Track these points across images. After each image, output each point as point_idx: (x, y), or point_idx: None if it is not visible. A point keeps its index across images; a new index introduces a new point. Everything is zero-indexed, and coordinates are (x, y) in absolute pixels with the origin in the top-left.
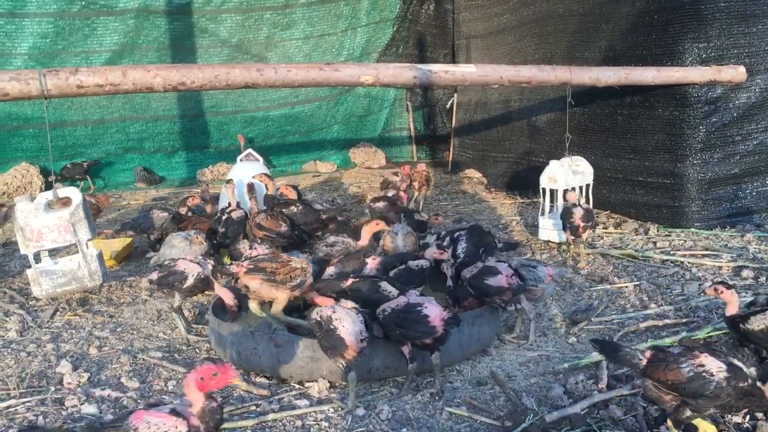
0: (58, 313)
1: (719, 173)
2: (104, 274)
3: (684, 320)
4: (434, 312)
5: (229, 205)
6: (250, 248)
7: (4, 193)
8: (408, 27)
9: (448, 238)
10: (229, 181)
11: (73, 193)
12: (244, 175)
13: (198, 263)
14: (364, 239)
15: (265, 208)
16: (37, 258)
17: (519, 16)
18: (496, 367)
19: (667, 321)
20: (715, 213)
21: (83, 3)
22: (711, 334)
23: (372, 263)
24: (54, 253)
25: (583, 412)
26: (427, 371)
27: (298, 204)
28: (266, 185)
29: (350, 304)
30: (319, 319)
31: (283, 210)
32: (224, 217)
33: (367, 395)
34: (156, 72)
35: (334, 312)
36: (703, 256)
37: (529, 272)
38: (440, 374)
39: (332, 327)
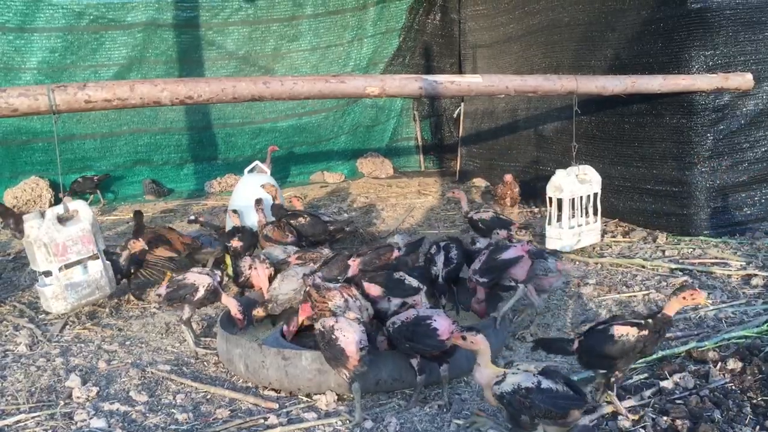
0: (68, 327)
1: (728, 181)
2: None
3: (696, 332)
4: (443, 325)
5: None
6: (250, 268)
7: (14, 206)
8: (414, 37)
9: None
10: (234, 211)
11: (81, 206)
12: (251, 187)
13: (208, 274)
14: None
15: (274, 219)
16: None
17: (525, 25)
18: None
19: (677, 331)
20: (723, 221)
21: (92, 17)
22: (720, 344)
23: (354, 265)
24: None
25: (592, 423)
26: (435, 383)
27: (305, 215)
28: (272, 195)
29: (353, 314)
30: (322, 329)
31: (291, 221)
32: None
33: (374, 407)
34: (163, 86)
35: (336, 322)
36: (713, 264)
37: (538, 263)
38: (448, 386)
39: (334, 337)
